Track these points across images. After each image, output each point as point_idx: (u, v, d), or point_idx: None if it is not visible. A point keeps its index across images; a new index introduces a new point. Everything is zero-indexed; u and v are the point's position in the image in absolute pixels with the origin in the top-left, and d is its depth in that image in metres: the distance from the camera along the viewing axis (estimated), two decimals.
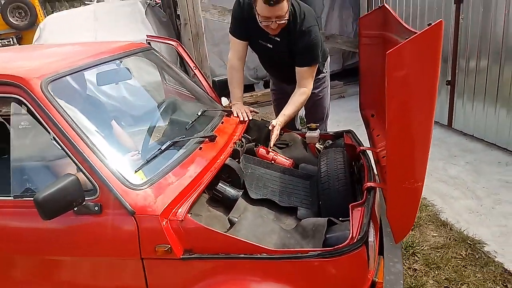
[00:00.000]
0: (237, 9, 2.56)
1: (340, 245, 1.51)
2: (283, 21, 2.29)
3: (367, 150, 2.28)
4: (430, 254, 2.60)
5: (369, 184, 1.88)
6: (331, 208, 1.90)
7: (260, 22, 2.33)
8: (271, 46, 2.55)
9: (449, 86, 4.57)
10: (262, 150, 2.35)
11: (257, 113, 2.73)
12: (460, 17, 4.26)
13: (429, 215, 3.00)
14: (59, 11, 11.24)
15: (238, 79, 2.66)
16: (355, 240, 1.53)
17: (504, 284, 2.31)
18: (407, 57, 1.24)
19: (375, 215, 1.85)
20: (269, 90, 3.28)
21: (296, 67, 2.52)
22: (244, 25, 2.54)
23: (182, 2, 4.95)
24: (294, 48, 2.47)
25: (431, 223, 2.91)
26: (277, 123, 2.37)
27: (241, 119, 2.47)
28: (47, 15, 7.76)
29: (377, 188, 1.91)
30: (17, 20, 9.68)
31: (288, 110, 2.47)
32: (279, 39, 2.48)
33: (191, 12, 4.98)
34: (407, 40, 1.22)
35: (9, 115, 1.96)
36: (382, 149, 2.17)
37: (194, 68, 2.98)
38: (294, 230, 1.78)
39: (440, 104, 4.79)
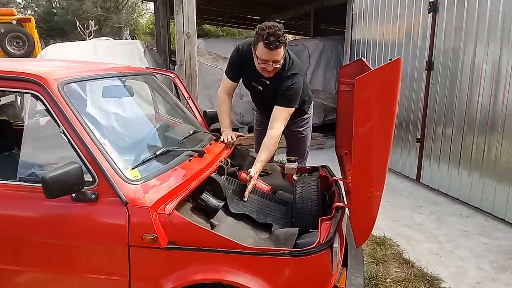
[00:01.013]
0: (235, 55, 2.84)
1: (308, 247, 1.72)
2: (278, 65, 2.55)
3: (338, 181, 2.53)
4: (391, 286, 2.77)
5: (338, 204, 2.11)
6: (302, 224, 2.10)
7: (258, 64, 2.57)
8: (261, 88, 2.83)
9: (418, 143, 4.95)
10: (244, 175, 2.55)
11: (244, 136, 2.97)
12: (430, 83, 4.73)
13: (393, 253, 3.20)
14: None
15: (226, 109, 2.93)
16: (322, 244, 1.74)
17: None
18: (372, 83, 1.53)
19: (341, 230, 2.06)
20: (252, 134, 3.49)
21: (274, 106, 2.73)
22: (239, 69, 2.83)
23: (180, 44, 5.31)
24: (278, 89, 2.71)
25: (394, 260, 3.11)
26: (254, 172, 2.39)
27: (228, 140, 2.70)
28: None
29: (345, 208, 2.13)
30: (14, 48, 9.97)
31: (263, 156, 2.56)
32: (268, 82, 2.75)
33: (187, 54, 5.33)
34: (373, 69, 1.52)
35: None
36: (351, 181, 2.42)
37: (188, 98, 3.26)
38: (268, 238, 1.98)
39: (410, 161, 5.18)
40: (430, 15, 4.66)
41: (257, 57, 2.55)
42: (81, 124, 1.82)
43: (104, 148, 1.82)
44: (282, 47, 2.47)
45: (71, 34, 30.32)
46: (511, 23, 3.68)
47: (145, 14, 35.15)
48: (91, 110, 2.00)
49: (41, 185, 1.62)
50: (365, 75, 1.52)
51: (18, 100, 8.28)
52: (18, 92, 1.91)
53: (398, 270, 2.98)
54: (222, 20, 15.33)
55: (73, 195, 1.77)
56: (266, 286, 1.70)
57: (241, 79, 2.95)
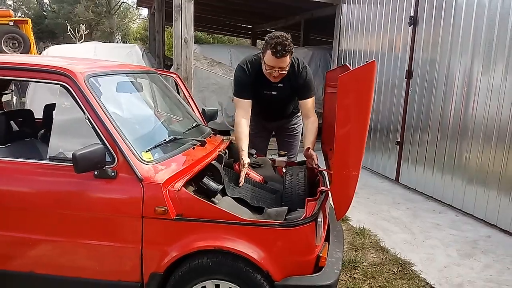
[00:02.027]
0: (242, 74, 2.98)
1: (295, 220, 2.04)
2: (284, 72, 2.83)
3: (323, 171, 2.86)
4: (368, 268, 3.10)
5: (322, 188, 2.44)
6: (291, 206, 2.42)
7: (265, 69, 2.85)
8: (275, 93, 3.06)
9: (398, 146, 5.33)
10: (238, 166, 2.87)
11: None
12: (409, 90, 5.13)
13: (371, 242, 3.54)
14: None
15: (243, 134, 2.89)
16: (307, 217, 2.06)
17: None
18: (352, 80, 1.87)
19: (325, 209, 2.38)
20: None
21: (300, 101, 3.06)
22: (249, 86, 2.97)
23: (177, 49, 5.63)
24: (296, 85, 3.00)
25: (371, 248, 3.45)
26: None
27: (244, 166, 2.73)
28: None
29: (328, 192, 2.46)
30: (10, 49, 10.14)
31: (310, 138, 2.92)
32: (282, 85, 3.01)
33: (184, 58, 5.65)
34: (353, 69, 1.86)
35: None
36: None
37: (189, 97, 3.58)
38: (261, 216, 2.29)
39: (390, 163, 5.57)
40: (410, 28, 5.07)
41: (265, 63, 2.81)
42: (103, 112, 2.11)
43: (122, 133, 2.12)
44: (288, 56, 2.74)
45: (61, 38, 30.40)
46: (481, 38, 4.09)
47: (136, 20, 35.44)
48: (110, 100, 2.29)
49: (71, 161, 1.92)
50: (346, 74, 1.87)
51: (14, 100, 8.50)
52: (48, 83, 2.18)
53: (374, 256, 3.32)
54: (214, 28, 15.68)
55: (95, 172, 2.05)
56: (260, 251, 2.00)
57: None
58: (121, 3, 29.55)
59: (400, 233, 3.78)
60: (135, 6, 32.15)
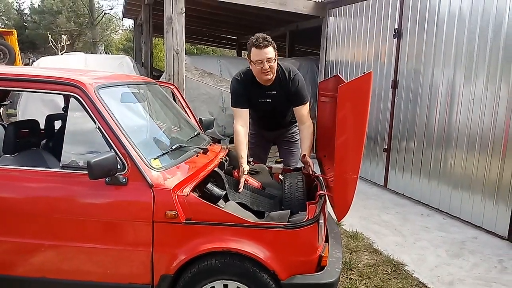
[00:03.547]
0: (237, 85, 3.11)
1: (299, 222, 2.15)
2: (272, 64, 2.93)
3: (320, 176, 2.99)
4: (363, 269, 3.23)
5: (321, 192, 2.57)
6: (291, 210, 2.53)
7: (255, 67, 2.94)
8: (270, 100, 3.17)
9: (385, 153, 5.52)
10: (237, 173, 2.98)
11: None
12: (395, 99, 5.33)
13: (364, 244, 3.68)
14: None
15: (242, 142, 2.98)
16: (310, 219, 2.18)
17: None
18: (351, 89, 2.01)
19: (325, 211, 2.51)
20: (233, 145, 3.71)
21: (294, 108, 3.17)
22: (245, 95, 3.08)
23: (169, 60, 5.73)
24: (289, 92, 3.11)
25: (365, 250, 3.58)
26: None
27: (244, 173, 2.83)
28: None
29: (326, 195, 2.58)
30: None
31: (306, 144, 3.06)
32: (275, 92, 3.13)
33: (175, 69, 5.74)
34: (352, 79, 2.00)
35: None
36: (330, 176, 2.88)
37: (186, 107, 3.69)
38: (264, 219, 2.40)
39: (378, 170, 5.74)
40: (395, 40, 5.29)
41: (253, 62, 2.93)
42: (113, 121, 2.20)
43: (132, 141, 2.21)
44: (271, 48, 2.88)
45: (42, 48, 30.10)
46: (462, 50, 4.31)
47: (119, 31, 35.41)
48: (119, 110, 2.38)
49: (82, 169, 2.00)
50: (346, 84, 2.01)
51: (1, 110, 8.42)
52: (59, 94, 2.26)
53: (368, 258, 3.45)
54: (198, 39, 15.80)
55: (107, 179, 2.14)
56: (267, 252, 2.11)
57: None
58: (104, 14, 29.49)
59: (391, 235, 3.93)
60: (118, 17, 32.22)
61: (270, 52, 2.89)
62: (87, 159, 1.98)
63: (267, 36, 2.89)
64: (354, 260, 3.35)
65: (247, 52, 3.01)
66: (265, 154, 3.68)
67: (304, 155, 3.02)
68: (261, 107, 3.22)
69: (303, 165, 3.07)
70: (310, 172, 2.91)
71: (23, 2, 32.31)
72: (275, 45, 2.95)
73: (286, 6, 6.65)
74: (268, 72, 2.96)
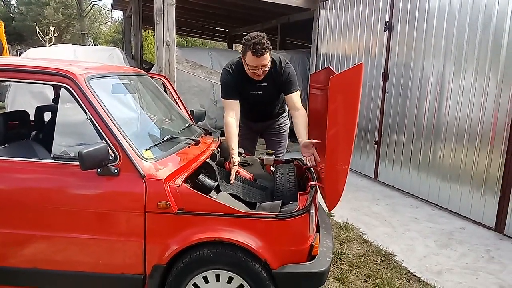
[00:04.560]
0: (227, 76, 3.10)
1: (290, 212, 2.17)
2: (266, 69, 2.96)
3: (310, 168, 3.01)
4: (353, 259, 3.27)
5: (312, 183, 2.59)
6: (283, 200, 2.55)
7: (249, 70, 2.96)
8: (260, 92, 3.18)
9: (376, 145, 5.57)
10: (229, 164, 2.98)
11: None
12: (386, 92, 5.37)
13: (354, 235, 3.72)
14: None
15: (233, 134, 2.99)
16: (301, 209, 2.20)
17: (407, 279, 3.02)
18: (342, 81, 2.02)
19: (316, 202, 2.53)
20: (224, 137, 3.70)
21: (285, 96, 3.16)
22: (235, 87, 3.08)
23: (159, 52, 5.69)
24: (279, 82, 3.11)
25: (355, 241, 3.63)
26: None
27: (234, 164, 2.83)
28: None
29: (317, 186, 2.61)
30: None
31: (303, 132, 3.04)
32: (266, 84, 3.13)
33: (166, 61, 5.71)
34: (343, 71, 2.02)
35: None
36: (322, 168, 2.91)
37: (177, 98, 3.68)
38: (256, 210, 2.41)
39: (368, 162, 5.79)
40: (386, 33, 5.32)
41: (247, 64, 2.94)
42: (105, 112, 2.19)
43: (124, 132, 2.20)
44: (268, 53, 2.88)
45: (29, 40, 29.67)
46: (452, 43, 4.35)
47: (108, 23, 34.99)
48: (110, 101, 2.36)
49: (73, 160, 2.00)
50: (337, 75, 2.02)
51: None
52: (49, 84, 2.24)
53: (358, 248, 3.49)
54: (188, 31, 15.72)
55: (98, 170, 2.13)
56: (258, 242, 2.13)
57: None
58: (93, 6, 29.09)
59: (381, 226, 3.98)
60: (107, 8, 31.83)
61: (266, 58, 2.88)
62: (79, 150, 1.97)
63: (265, 41, 2.82)
64: (344, 251, 3.39)
65: (241, 48, 2.98)
66: (253, 146, 3.69)
67: (304, 142, 2.97)
68: (251, 99, 3.22)
69: (304, 154, 3.02)
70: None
71: None
72: (271, 46, 2.91)
73: None
74: (260, 76, 2.97)
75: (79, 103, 2.19)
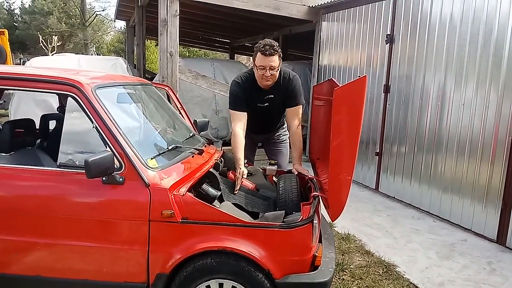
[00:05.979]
0: (237, 88, 3.14)
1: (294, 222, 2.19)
2: (274, 72, 2.97)
3: (313, 178, 3.02)
4: (355, 270, 3.27)
5: (314, 193, 2.60)
6: (286, 210, 2.56)
7: (257, 72, 3.00)
8: (267, 104, 3.22)
9: (377, 157, 5.59)
10: (232, 174, 3.00)
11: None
12: (387, 104, 5.41)
13: (356, 246, 3.72)
14: None
15: (240, 144, 2.99)
16: (304, 219, 2.21)
17: None
18: (346, 93, 2.05)
19: (318, 212, 2.54)
20: (227, 147, 3.64)
21: (287, 110, 3.20)
22: (244, 99, 3.11)
23: (163, 62, 5.75)
24: (285, 93, 3.16)
25: (357, 252, 3.63)
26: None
27: (241, 175, 2.84)
28: None
29: (320, 196, 2.62)
30: None
31: (297, 152, 3.16)
32: (273, 96, 3.17)
33: (169, 71, 5.77)
34: (347, 83, 2.04)
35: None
36: (324, 178, 2.92)
37: (181, 108, 3.71)
38: (259, 219, 2.43)
39: (370, 174, 5.81)
40: (387, 45, 5.37)
41: (256, 66, 2.98)
42: (111, 121, 2.22)
43: (129, 141, 2.22)
44: (277, 57, 2.92)
45: (32, 49, 29.86)
46: (453, 55, 4.40)
47: (111, 32, 35.25)
48: (115, 110, 2.39)
49: (79, 168, 2.01)
50: (341, 87, 2.05)
51: None
52: (57, 93, 2.27)
53: (360, 259, 3.49)
54: (190, 41, 15.84)
55: (104, 178, 2.15)
56: (261, 251, 2.13)
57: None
58: (96, 15, 29.34)
59: (382, 237, 3.99)
60: (110, 18, 32.09)
61: (275, 60, 2.92)
62: (85, 158, 1.99)
63: (275, 44, 2.92)
64: (346, 261, 3.39)
65: (252, 55, 3.03)
66: (253, 155, 3.71)
67: (296, 164, 3.10)
68: (258, 111, 3.24)
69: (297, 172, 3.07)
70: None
71: (13, 2, 32.08)
72: (281, 54, 2.98)
73: (280, 10, 6.71)
74: (268, 78, 3.00)
75: (85, 112, 2.22)
